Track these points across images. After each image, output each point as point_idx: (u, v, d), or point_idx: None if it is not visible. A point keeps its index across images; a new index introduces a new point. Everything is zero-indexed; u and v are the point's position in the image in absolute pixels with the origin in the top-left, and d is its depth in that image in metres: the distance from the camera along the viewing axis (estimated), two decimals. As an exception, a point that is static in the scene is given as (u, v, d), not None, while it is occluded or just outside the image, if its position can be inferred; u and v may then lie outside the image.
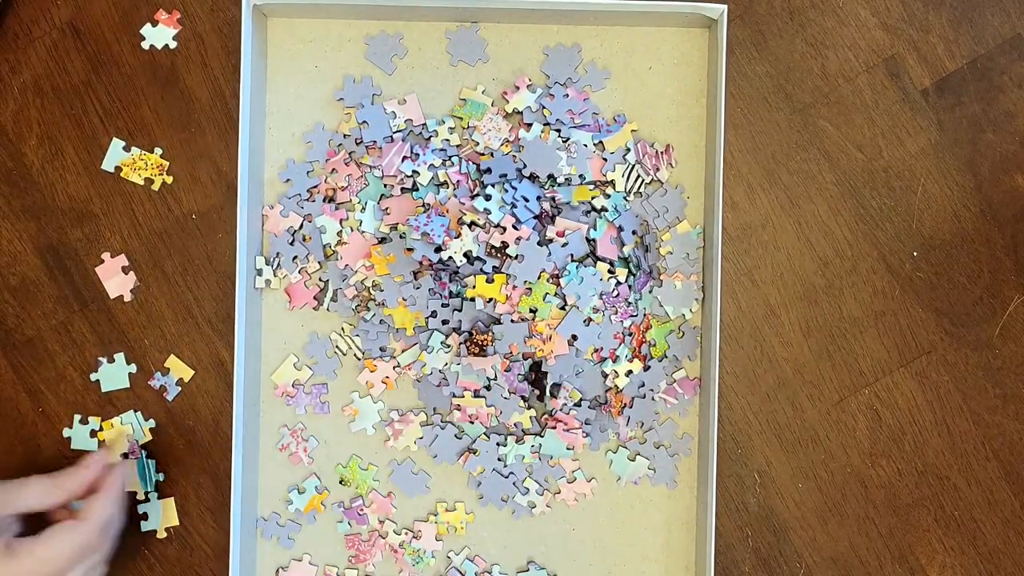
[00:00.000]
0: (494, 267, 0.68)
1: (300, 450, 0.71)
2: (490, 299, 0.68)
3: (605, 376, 0.70)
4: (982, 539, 0.72)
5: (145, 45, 0.72)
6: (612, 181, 0.70)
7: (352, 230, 0.70)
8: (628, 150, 0.71)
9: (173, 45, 0.72)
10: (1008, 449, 0.72)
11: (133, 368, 0.72)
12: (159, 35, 0.72)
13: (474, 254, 0.68)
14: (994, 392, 0.72)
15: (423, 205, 0.69)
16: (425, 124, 0.71)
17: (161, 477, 0.71)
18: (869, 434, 0.72)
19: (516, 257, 0.68)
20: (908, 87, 0.72)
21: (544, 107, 0.70)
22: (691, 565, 0.71)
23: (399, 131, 0.70)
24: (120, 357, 0.72)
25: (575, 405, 0.70)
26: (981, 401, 0.72)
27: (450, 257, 0.68)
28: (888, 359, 0.72)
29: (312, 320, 0.71)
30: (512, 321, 0.68)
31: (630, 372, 0.70)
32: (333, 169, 0.70)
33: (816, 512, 0.72)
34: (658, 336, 0.71)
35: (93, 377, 0.71)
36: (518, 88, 0.71)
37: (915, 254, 0.72)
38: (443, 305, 0.69)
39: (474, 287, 0.68)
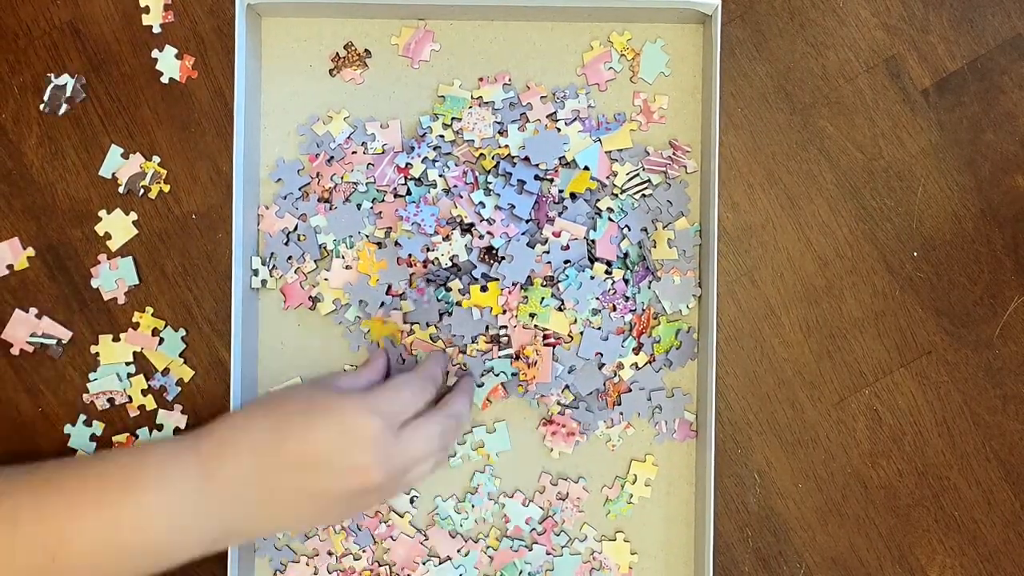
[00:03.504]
0: (484, 274, 0.68)
1: None
2: (486, 308, 0.68)
3: (602, 367, 0.70)
4: (982, 540, 0.72)
5: (144, 45, 0.73)
6: (614, 179, 0.70)
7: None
8: (626, 149, 0.70)
9: (172, 45, 0.73)
10: (1008, 450, 0.72)
11: (132, 368, 0.72)
12: (158, 35, 0.73)
13: (461, 259, 0.68)
14: (994, 392, 0.72)
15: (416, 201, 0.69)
16: (422, 133, 0.71)
17: None
18: (869, 434, 0.72)
19: (504, 258, 0.68)
20: (908, 87, 0.72)
21: (541, 104, 0.70)
22: (690, 564, 0.71)
23: (376, 155, 0.70)
24: (120, 357, 0.72)
25: (572, 402, 0.70)
26: (981, 401, 0.72)
27: (436, 259, 0.68)
28: (888, 359, 0.72)
29: (308, 320, 0.71)
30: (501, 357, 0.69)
31: (635, 364, 0.70)
32: (318, 173, 0.70)
33: (816, 512, 0.72)
34: (665, 333, 0.70)
35: (93, 377, 0.72)
36: (496, 80, 0.70)
37: (915, 254, 0.72)
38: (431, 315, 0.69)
39: (468, 297, 0.68)
